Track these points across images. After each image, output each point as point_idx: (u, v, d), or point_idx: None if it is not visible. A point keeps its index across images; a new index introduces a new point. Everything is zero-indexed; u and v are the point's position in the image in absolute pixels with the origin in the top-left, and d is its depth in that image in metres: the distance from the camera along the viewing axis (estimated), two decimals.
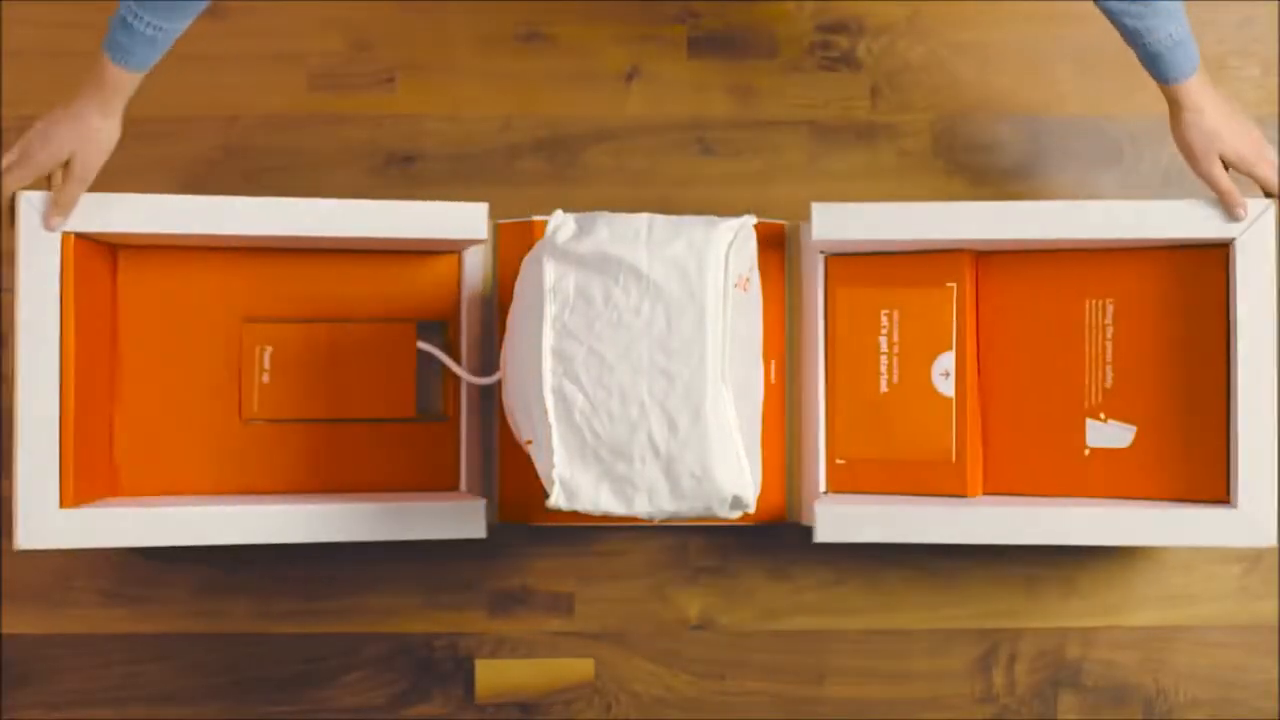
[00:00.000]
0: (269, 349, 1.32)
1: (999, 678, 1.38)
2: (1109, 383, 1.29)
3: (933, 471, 1.30)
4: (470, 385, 1.32)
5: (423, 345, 1.33)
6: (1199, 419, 1.27)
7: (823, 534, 1.23)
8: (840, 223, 1.23)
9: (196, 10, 1.12)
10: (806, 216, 1.36)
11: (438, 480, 1.32)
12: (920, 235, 1.23)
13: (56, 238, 1.19)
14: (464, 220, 1.24)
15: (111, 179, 1.36)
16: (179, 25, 1.12)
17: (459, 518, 1.24)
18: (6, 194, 1.18)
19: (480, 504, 1.23)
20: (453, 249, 1.30)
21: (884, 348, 1.31)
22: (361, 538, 1.23)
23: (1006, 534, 1.24)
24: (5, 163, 1.17)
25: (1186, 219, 1.23)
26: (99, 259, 1.27)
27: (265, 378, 1.32)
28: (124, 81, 1.15)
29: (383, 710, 1.37)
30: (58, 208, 1.18)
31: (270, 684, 1.37)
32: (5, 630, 1.37)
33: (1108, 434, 1.29)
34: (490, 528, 1.28)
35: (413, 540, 1.34)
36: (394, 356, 1.33)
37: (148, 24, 1.10)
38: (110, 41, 1.13)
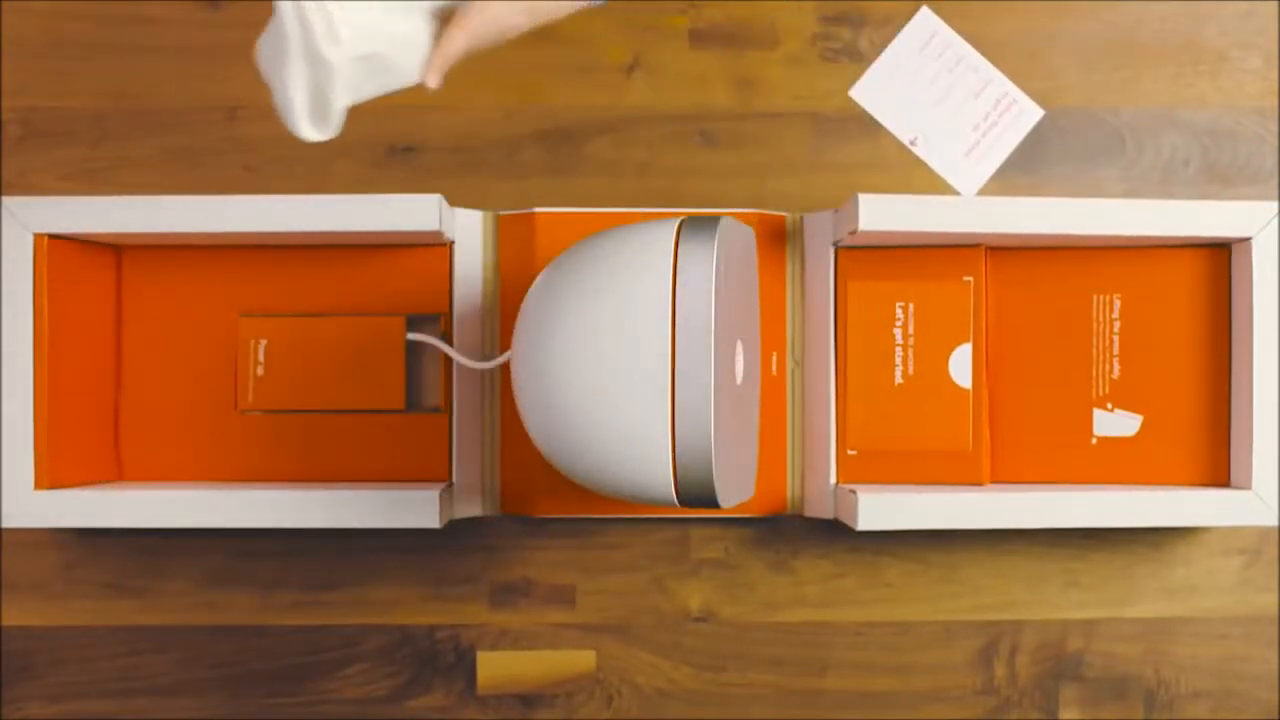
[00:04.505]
0: (264, 342, 1.33)
1: (1000, 670, 1.39)
2: (1115, 374, 1.32)
3: (949, 461, 1.32)
4: (464, 378, 1.32)
5: (413, 335, 1.33)
6: (1201, 408, 1.32)
7: (865, 522, 1.23)
8: (886, 214, 1.23)
9: None
10: (808, 208, 1.37)
11: (430, 472, 1.33)
12: (966, 227, 1.24)
13: (30, 240, 1.22)
14: (416, 212, 1.23)
15: (113, 171, 1.36)
16: None
17: (415, 508, 1.24)
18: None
19: (434, 495, 1.23)
20: (436, 241, 1.30)
21: (899, 340, 1.32)
22: (313, 524, 1.24)
23: (1046, 519, 1.26)
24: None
25: (1203, 219, 1.26)
26: (101, 260, 1.31)
27: (260, 370, 1.33)
28: None
29: (385, 702, 1.37)
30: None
31: (272, 676, 1.37)
32: (6, 622, 1.36)
33: (1114, 423, 1.32)
34: (489, 519, 1.29)
35: (412, 533, 1.35)
36: (383, 349, 1.33)
37: None
38: None
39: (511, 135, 1.38)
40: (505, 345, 1.33)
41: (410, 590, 1.37)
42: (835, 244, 1.31)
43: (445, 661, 1.37)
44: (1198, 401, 1.32)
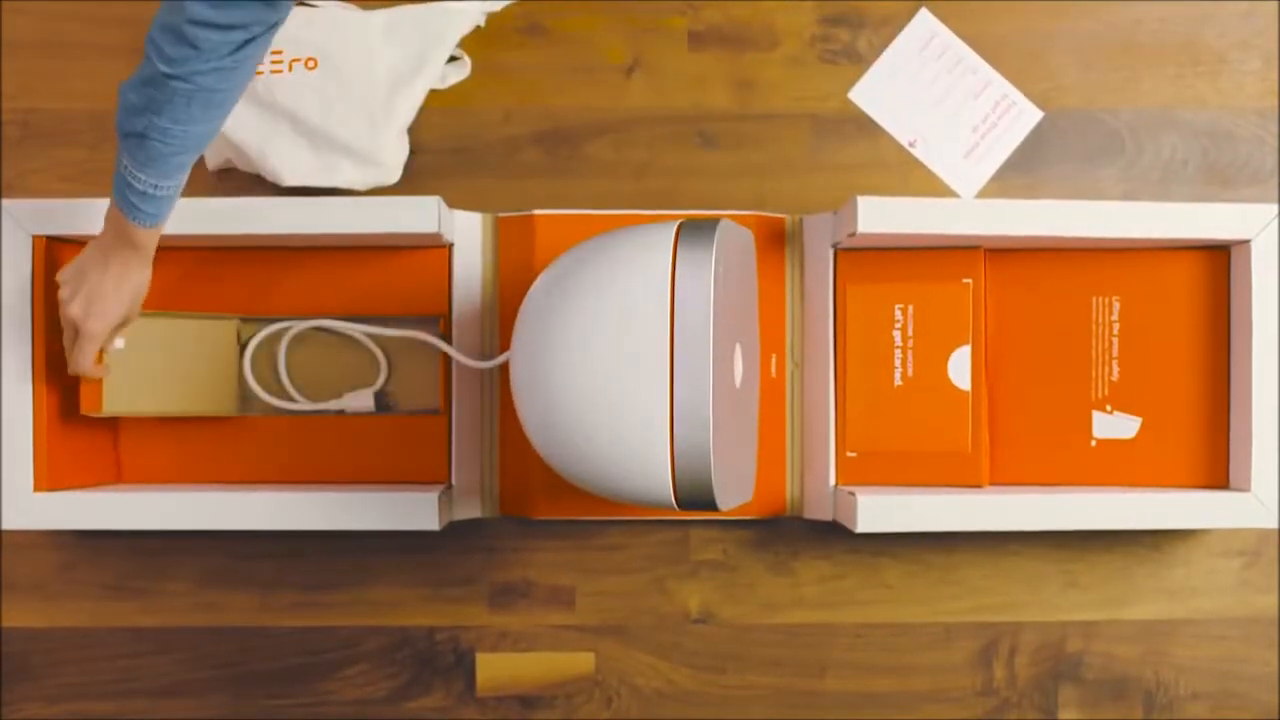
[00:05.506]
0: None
1: (1000, 671, 1.39)
2: (1115, 376, 1.32)
3: (948, 463, 1.32)
4: (463, 380, 1.32)
5: (413, 334, 1.33)
6: (1200, 410, 1.32)
7: (864, 524, 1.24)
8: (885, 216, 1.23)
9: (186, 168, 1.08)
10: (807, 209, 1.37)
11: (430, 473, 1.33)
12: (964, 230, 1.24)
13: (29, 241, 1.22)
14: (415, 214, 1.23)
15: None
16: (177, 182, 1.08)
17: (415, 509, 1.24)
18: (82, 371, 1.18)
19: (433, 496, 1.23)
20: (435, 243, 1.30)
21: (898, 342, 1.32)
22: (312, 526, 1.24)
23: (1046, 521, 1.26)
24: (66, 343, 1.17)
25: (1202, 222, 1.26)
26: None
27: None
28: (154, 236, 1.12)
29: (384, 703, 1.37)
30: (88, 359, 1.18)
31: (271, 677, 1.37)
32: (5, 623, 1.36)
33: (1114, 425, 1.32)
34: (487, 520, 1.29)
35: (412, 535, 1.35)
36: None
37: (147, 183, 1.07)
38: (122, 200, 1.09)
39: (511, 136, 1.38)
40: (504, 347, 1.33)
41: (409, 592, 1.37)
42: (834, 246, 1.31)
43: (445, 663, 1.37)
44: (1197, 404, 1.32)
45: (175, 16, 0.97)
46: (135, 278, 1.15)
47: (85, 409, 1.23)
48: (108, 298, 1.15)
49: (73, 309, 1.15)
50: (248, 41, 0.99)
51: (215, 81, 1.00)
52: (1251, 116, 1.40)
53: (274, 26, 1.00)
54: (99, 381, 1.21)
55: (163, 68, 0.99)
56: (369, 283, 1.33)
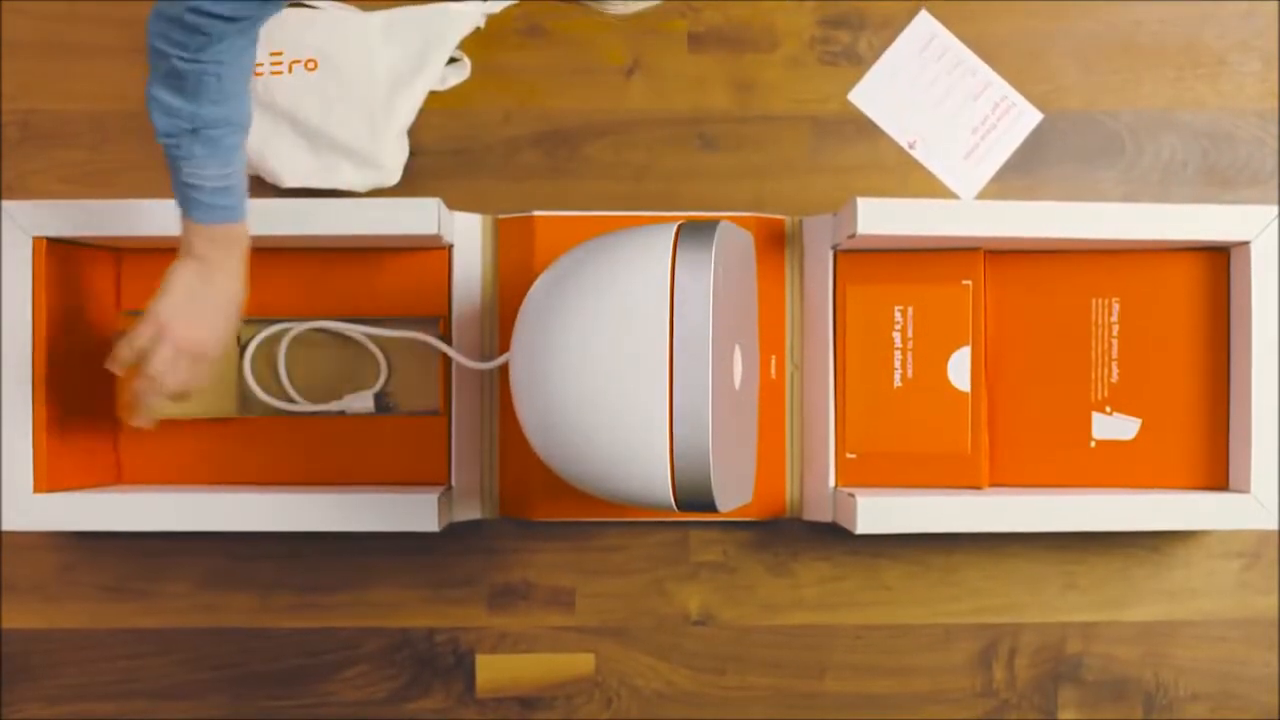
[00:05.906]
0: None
1: (999, 672, 1.39)
2: (1114, 378, 1.32)
3: (948, 464, 1.32)
4: (462, 381, 1.32)
5: (413, 334, 1.33)
6: (1200, 412, 1.32)
7: (864, 526, 1.24)
8: (884, 217, 1.23)
9: (242, 148, 1.07)
10: (807, 211, 1.37)
11: (430, 474, 1.33)
12: (963, 231, 1.24)
13: (29, 243, 1.22)
14: (415, 216, 1.24)
15: (116, 174, 1.36)
16: (240, 166, 1.07)
17: (414, 511, 1.24)
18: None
19: (432, 498, 1.23)
20: (435, 245, 1.30)
21: (898, 343, 1.32)
22: (312, 527, 1.24)
23: (1045, 522, 1.26)
24: (174, 378, 1.11)
25: (1202, 223, 1.26)
26: (101, 263, 1.31)
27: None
28: (246, 231, 1.10)
29: (384, 704, 1.37)
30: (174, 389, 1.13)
31: (271, 678, 1.37)
32: (5, 624, 1.36)
33: (1113, 426, 1.32)
34: (486, 521, 1.29)
35: (411, 536, 1.35)
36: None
37: (215, 178, 1.05)
38: (200, 211, 1.07)
39: (510, 138, 1.38)
40: (504, 349, 1.33)
41: (409, 593, 1.37)
42: (834, 247, 1.31)
43: (444, 664, 1.37)
44: (1196, 405, 1.32)
45: (174, 6, 0.97)
46: (237, 285, 1.12)
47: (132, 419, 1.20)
48: (221, 316, 1.12)
49: (205, 340, 1.11)
50: (256, 22, 1.00)
51: (235, 54, 1.01)
52: (1251, 118, 1.40)
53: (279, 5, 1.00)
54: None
55: (181, 54, 0.99)
56: (369, 284, 1.33)
